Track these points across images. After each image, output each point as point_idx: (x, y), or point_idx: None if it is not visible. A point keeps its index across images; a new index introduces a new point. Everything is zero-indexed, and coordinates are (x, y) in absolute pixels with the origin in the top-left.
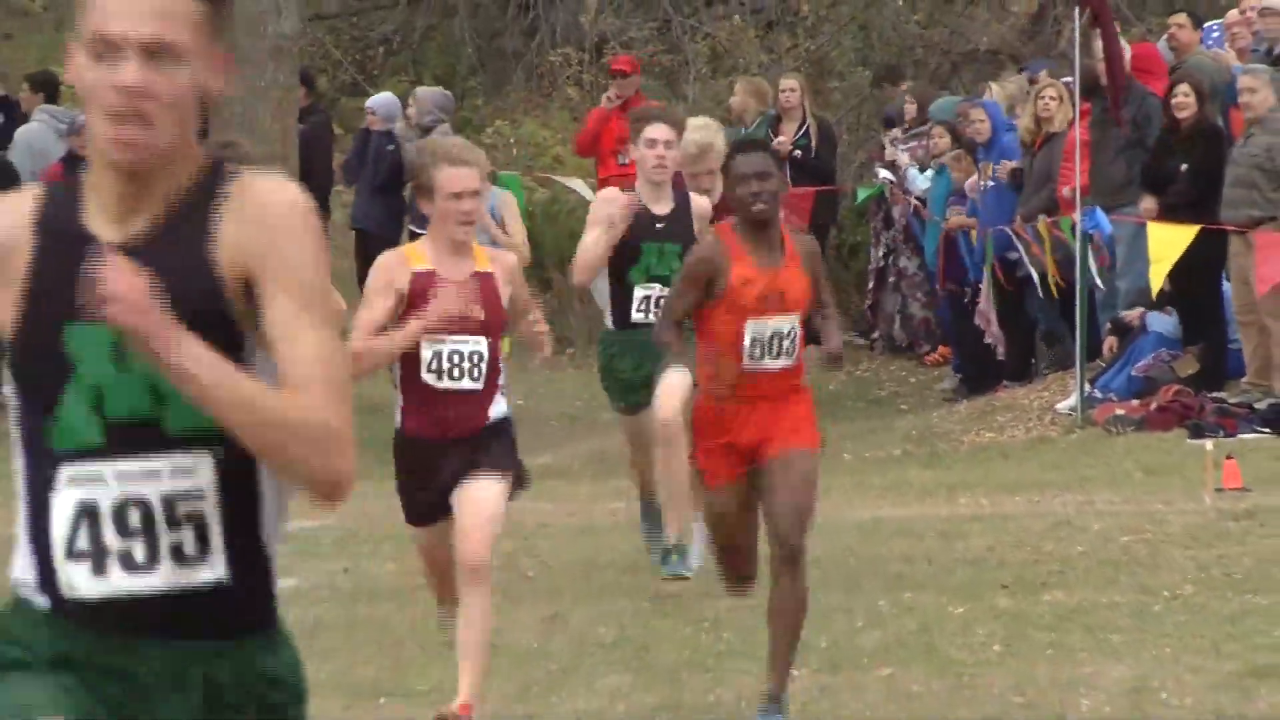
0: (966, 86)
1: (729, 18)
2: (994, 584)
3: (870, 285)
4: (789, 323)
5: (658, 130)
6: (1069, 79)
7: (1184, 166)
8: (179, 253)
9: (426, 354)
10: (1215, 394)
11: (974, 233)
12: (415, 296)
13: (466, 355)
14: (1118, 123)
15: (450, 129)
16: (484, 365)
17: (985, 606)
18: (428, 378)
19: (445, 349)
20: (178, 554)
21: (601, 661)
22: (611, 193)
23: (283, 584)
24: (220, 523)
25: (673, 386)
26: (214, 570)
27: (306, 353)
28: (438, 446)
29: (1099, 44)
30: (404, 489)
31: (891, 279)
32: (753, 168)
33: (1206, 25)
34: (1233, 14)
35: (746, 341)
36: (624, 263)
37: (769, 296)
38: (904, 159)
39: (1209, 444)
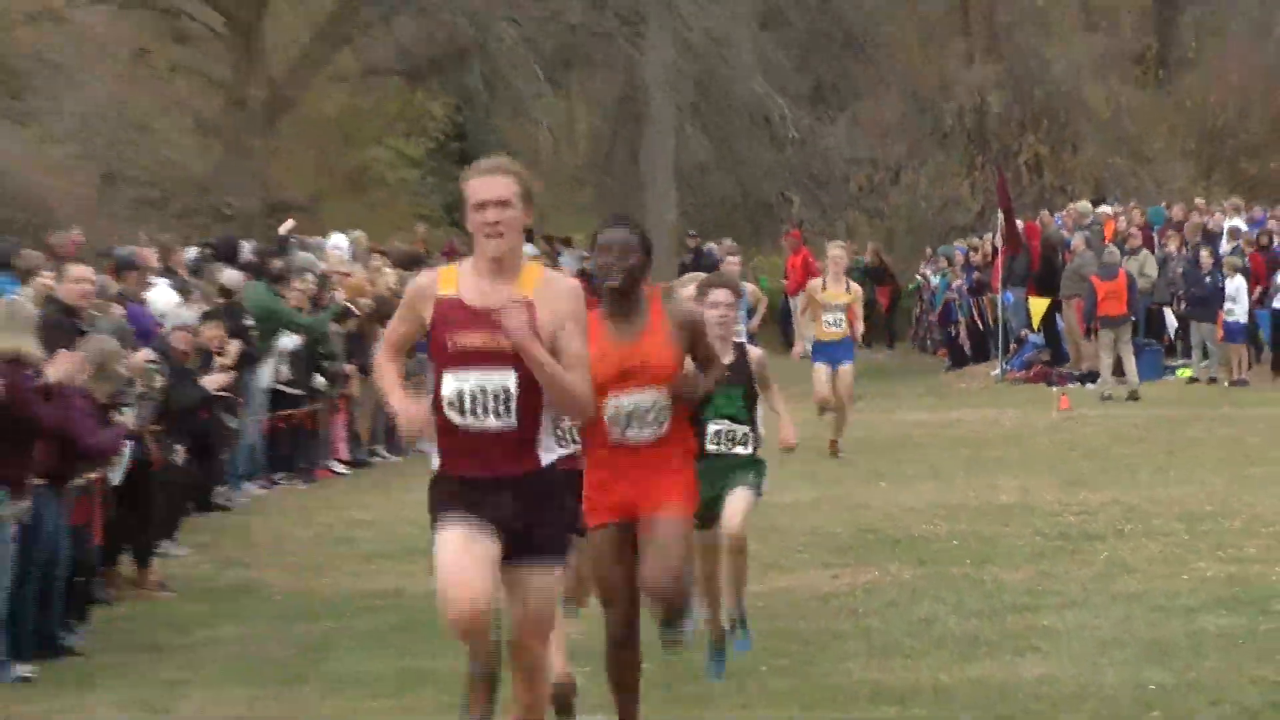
0: (952, 240)
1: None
2: (962, 446)
3: (914, 322)
4: (651, 397)
5: (719, 294)
6: (992, 234)
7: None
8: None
9: (448, 390)
10: (1057, 368)
11: (958, 302)
12: (439, 322)
13: (491, 392)
14: (1011, 253)
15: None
16: (511, 403)
17: (959, 456)
18: (450, 414)
19: (469, 385)
20: None
21: None
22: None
23: None
24: None
25: (739, 502)
26: None
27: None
28: (480, 483)
29: (1001, 220)
30: (445, 509)
31: (925, 322)
32: (613, 241)
33: (1057, 214)
34: (1069, 207)
35: (607, 416)
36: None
37: (627, 369)
38: (928, 271)
39: (1055, 389)
